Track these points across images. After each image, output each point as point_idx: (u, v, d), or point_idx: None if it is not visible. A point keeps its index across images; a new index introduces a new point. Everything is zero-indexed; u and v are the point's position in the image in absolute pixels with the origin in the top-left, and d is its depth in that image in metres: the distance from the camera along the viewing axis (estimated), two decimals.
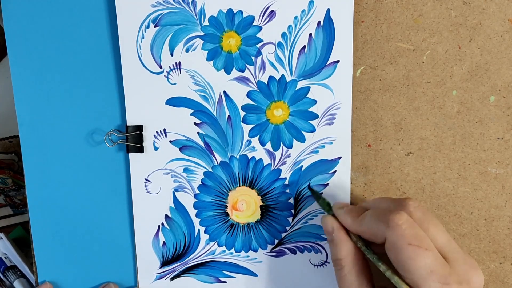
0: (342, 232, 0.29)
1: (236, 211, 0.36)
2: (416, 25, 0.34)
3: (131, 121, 0.34)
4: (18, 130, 0.35)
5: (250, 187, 0.36)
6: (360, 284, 0.27)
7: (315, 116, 0.35)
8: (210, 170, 0.36)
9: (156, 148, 0.35)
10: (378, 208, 0.28)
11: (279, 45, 0.34)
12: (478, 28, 0.34)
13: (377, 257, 0.27)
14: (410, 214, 0.26)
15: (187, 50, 0.34)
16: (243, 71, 0.34)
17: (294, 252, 0.37)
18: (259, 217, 0.36)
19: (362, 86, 0.35)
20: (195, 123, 0.35)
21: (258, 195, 0.36)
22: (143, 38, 0.33)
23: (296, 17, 0.34)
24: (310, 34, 0.34)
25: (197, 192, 0.36)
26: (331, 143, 0.35)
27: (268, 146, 0.35)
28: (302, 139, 0.35)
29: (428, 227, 0.26)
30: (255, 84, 0.35)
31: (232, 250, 0.37)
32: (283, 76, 0.34)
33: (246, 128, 0.35)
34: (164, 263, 0.37)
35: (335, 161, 0.36)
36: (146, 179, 0.35)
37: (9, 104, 0.52)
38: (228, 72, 0.34)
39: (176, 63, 0.34)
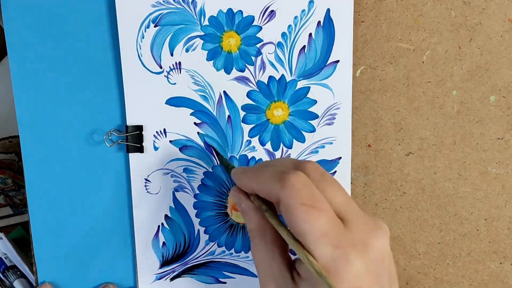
0: (248, 202, 0.27)
1: (236, 211, 0.36)
2: (416, 25, 0.34)
3: (131, 121, 0.34)
4: (18, 130, 0.35)
5: None
6: (271, 256, 0.25)
7: (315, 116, 0.35)
8: (210, 170, 0.36)
9: (156, 148, 0.35)
10: (275, 167, 0.25)
11: (279, 45, 0.34)
12: (478, 28, 0.34)
13: (278, 221, 0.24)
14: (307, 174, 0.24)
15: (187, 50, 0.34)
16: (243, 71, 0.34)
17: (293, 253, 0.37)
18: None
19: (362, 86, 0.35)
20: (195, 123, 0.35)
21: None
22: (143, 38, 0.33)
23: (296, 17, 0.34)
24: (310, 34, 0.34)
25: (197, 192, 0.36)
26: (331, 143, 0.35)
27: (268, 146, 0.35)
28: (302, 139, 0.35)
29: (326, 188, 0.23)
30: (255, 84, 0.35)
31: (232, 251, 0.37)
32: (283, 76, 0.34)
33: (246, 128, 0.35)
34: (164, 264, 0.37)
35: (335, 161, 0.35)
36: (146, 179, 0.35)
37: (9, 104, 0.52)
38: (228, 72, 0.34)
39: (176, 63, 0.34)
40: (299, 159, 0.28)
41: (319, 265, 0.21)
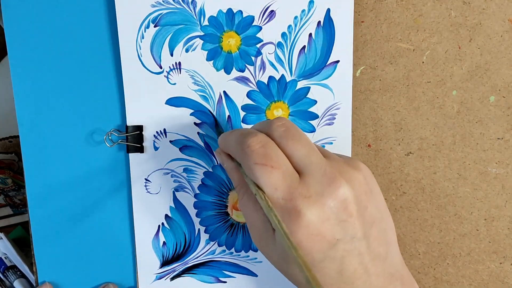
0: (230, 161, 0.29)
1: (237, 211, 0.36)
2: (416, 25, 0.34)
3: (131, 121, 0.34)
4: (18, 130, 0.35)
5: None
6: (254, 208, 0.26)
7: (315, 116, 0.35)
8: (210, 170, 0.36)
9: (156, 148, 0.35)
10: (243, 129, 0.27)
11: (279, 45, 0.34)
12: (478, 28, 0.34)
13: (246, 176, 0.26)
14: (271, 133, 0.25)
15: (187, 50, 0.34)
16: (243, 71, 0.34)
17: None
18: None
19: (362, 86, 0.36)
20: (195, 123, 0.35)
21: None
22: (143, 38, 0.33)
23: (296, 17, 0.34)
24: (310, 34, 0.34)
25: (197, 192, 0.36)
26: (331, 143, 0.35)
27: None
28: None
29: (286, 143, 0.25)
30: (255, 84, 0.35)
31: (232, 250, 0.37)
32: (283, 76, 0.34)
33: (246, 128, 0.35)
34: (164, 263, 0.37)
35: None
36: (146, 179, 0.35)
37: (9, 104, 0.52)
38: (228, 72, 0.34)
39: (176, 63, 0.34)
40: (266, 120, 0.31)
41: (270, 202, 0.23)
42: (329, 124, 0.35)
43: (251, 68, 0.34)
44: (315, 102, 0.35)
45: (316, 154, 0.25)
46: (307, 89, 0.35)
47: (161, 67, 0.34)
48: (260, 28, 0.34)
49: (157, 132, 0.35)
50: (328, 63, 0.34)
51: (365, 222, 0.24)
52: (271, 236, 0.25)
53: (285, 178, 0.24)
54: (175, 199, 0.36)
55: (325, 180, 0.24)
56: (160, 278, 0.37)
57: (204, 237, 0.37)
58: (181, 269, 0.37)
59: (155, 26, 0.33)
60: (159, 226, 0.36)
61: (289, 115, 0.35)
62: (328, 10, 0.33)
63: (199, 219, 0.36)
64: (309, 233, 0.23)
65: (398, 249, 0.27)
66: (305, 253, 0.23)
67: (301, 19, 0.34)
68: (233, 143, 0.27)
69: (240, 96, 0.35)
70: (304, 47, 0.34)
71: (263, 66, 0.34)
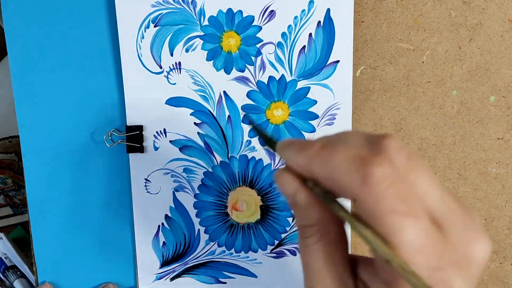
0: (305, 189, 0.19)
1: (236, 211, 0.36)
2: (416, 25, 0.34)
3: (131, 121, 0.34)
4: (18, 130, 0.35)
5: (250, 187, 0.36)
6: (332, 262, 0.19)
7: (315, 116, 0.35)
8: (210, 170, 0.36)
9: (156, 148, 0.35)
10: (347, 146, 0.18)
11: (279, 45, 0.34)
12: (478, 28, 0.34)
13: (351, 215, 0.18)
14: (392, 159, 0.17)
15: (187, 50, 0.34)
16: (243, 71, 0.34)
17: (294, 253, 0.37)
18: (259, 217, 0.36)
19: (362, 86, 0.35)
20: (195, 123, 0.35)
21: (258, 195, 0.36)
22: (143, 38, 0.33)
23: (296, 17, 0.34)
24: (310, 34, 0.34)
25: (197, 192, 0.36)
26: None
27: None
28: None
29: (416, 179, 0.17)
30: (255, 84, 0.34)
31: (232, 251, 0.37)
32: (283, 76, 0.34)
33: (246, 128, 0.35)
34: (164, 263, 0.37)
35: None
36: (146, 179, 0.35)
37: (9, 104, 0.52)
38: (228, 72, 0.34)
39: (176, 63, 0.34)
40: (369, 132, 0.20)
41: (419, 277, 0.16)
42: (329, 124, 0.35)
43: (251, 68, 0.34)
44: (315, 102, 0.35)
45: (451, 197, 0.18)
46: (307, 89, 0.35)
47: (161, 67, 0.34)
48: (260, 28, 0.34)
49: (157, 132, 0.35)
50: (328, 63, 0.34)
51: None
52: None
53: (430, 234, 0.16)
54: (175, 199, 0.36)
55: (468, 236, 0.17)
56: (160, 278, 0.37)
57: (204, 237, 0.37)
58: (181, 270, 0.37)
59: (155, 26, 0.33)
60: (159, 226, 0.36)
61: (289, 115, 0.35)
62: (328, 10, 0.33)
63: (199, 220, 0.36)
64: None
65: None
66: None
67: (301, 19, 0.34)
68: (338, 167, 0.17)
69: (240, 96, 0.35)
70: (304, 47, 0.34)
71: (263, 66, 0.34)
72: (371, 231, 0.17)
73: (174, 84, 0.34)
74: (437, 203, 0.17)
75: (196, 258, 0.37)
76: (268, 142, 0.23)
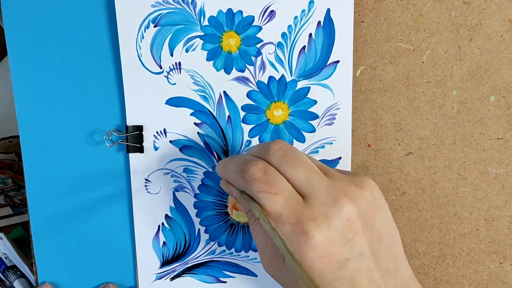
0: (236, 189, 0.28)
1: (236, 211, 0.36)
2: (416, 25, 0.34)
3: (131, 121, 0.34)
4: (18, 130, 0.35)
5: None
6: (267, 236, 0.26)
7: (315, 116, 0.35)
8: (210, 170, 0.36)
9: (156, 148, 0.35)
10: (242, 157, 0.27)
11: (279, 45, 0.34)
12: (478, 28, 0.34)
13: (254, 202, 0.26)
14: (270, 159, 0.26)
15: (187, 50, 0.34)
16: (243, 71, 0.34)
17: None
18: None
19: (362, 86, 0.36)
20: (195, 123, 0.35)
21: None
22: (143, 38, 0.33)
23: (296, 17, 0.34)
24: (310, 34, 0.34)
25: (197, 192, 0.36)
26: (331, 143, 0.35)
27: None
28: (302, 139, 0.35)
29: (286, 168, 0.25)
30: (255, 84, 0.35)
31: (232, 250, 0.37)
32: (283, 76, 0.34)
33: (246, 128, 0.35)
34: (164, 263, 0.37)
35: (335, 161, 0.36)
36: (146, 179, 0.35)
37: (9, 104, 0.52)
38: (228, 72, 0.34)
39: (176, 63, 0.34)
40: (269, 141, 0.31)
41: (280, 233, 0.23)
42: (329, 124, 0.35)
43: (251, 68, 0.34)
44: (315, 102, 0.35)
45: (317, 175, 0.25)
46: (307, 89, 0.35)
47: (161, 67, 0.34)
48: (260, 28, 0.34)
49: (157, 132, 0.35)
50: (328, 63, 0.34)
51: (373, 238, 0.25)
52: (282, 261, 0.25)
53: (289, 202, 0.24)
54: (175, 199, 0.36)
55: (329, 201, 0.24)
56: (160, 278, 0.37)
57: (204, 237, 0.37)
58: (181, 269, 0.37)
59: (155, 26, 0.33)
60: (159, 226, 0.36)
61: (289, 115, 0.35)
62: (328, 10, 0.33)
63: (199, 219, 0.36)
64: (318, 255, 0.23)
65: (408, 263, 0.27)
66: (315, 275, 0.23)
67: (301, 19, 0.34)
68: (233, 172, 0.27)
69: (240, 96, 0.35)
70: (304, 47, 0.34)
71: (263, 66, 0.34)
72: (256, 206, 0.25)
73: (174, 84, 0.34)
74: (302, 181, 0.25)
75: (196, 257, 0.37)
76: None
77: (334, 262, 0.23)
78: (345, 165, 0.36)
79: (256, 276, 0.37)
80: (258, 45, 0.34)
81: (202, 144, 0.35)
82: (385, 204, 0.27)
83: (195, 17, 0.33)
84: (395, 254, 0.26)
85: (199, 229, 0.37)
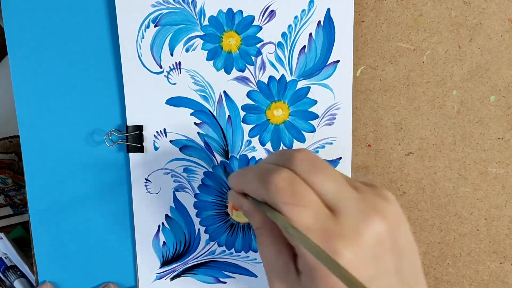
0: (248, 201, 0.27)
1: (236, 211, 0.36)
2: (416, 25, 0.34)
3: (131, 121, 0.34)
4: (18, 130, 0.35)
5: None
6: (278, 251, 0.25)
7: (315, 116, 0.35)
8: (210, 170, 0.36)
9: (156, 148, 0.35)
10: (262, 165, 0.25)
11: (279, 45, 0.34)
12: (478, 28, 0.34)
13: (274, 211, 0.24)
14: (295, 168, 0.23)
15: (187, 50, 0.34)
16: (243, 71, 0.34)
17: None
18: None
19: (362, 86, 0.35)
20: (195, 123, 0.35)
21: None
22: (143, 38, 0.33)
23: (296, 17, 0.34)
24: (310, 34, 0.34)
25: (197, 192, 0.36)
26: (331, 143, 0.35)
27: (268, 146, 0.35)
28: (302, 139, 0.35)
29: (314, 179, 0.23)
30: (255, 84, 0.35)
31: (232, 250, 0.37)
32: (283, 76, 0.34)
33: (246, 128, 0.35)
34: (164, 263, 0.37)
35: (335, 161, 0.36)
36: (146, 179, 0.35)
37: (9, 104, 0.52)
38: (228, 72, 0.34)
39: (176, 63, 0.34)
40: (290, 149, 0.29)
41: (313, 242, 0.21)
42: (329, 124, 0.35)
43: (251, 68, 0.34)
44: (315, 102, 0.35)
45: (347, 188, 0.23)
46: (307, 89, 0.35)
47: (161, 67, 0.34)
48: (260, 28, 0.34)
49: (157, 132, 0.35)
50: (328, 63, 0.34)
51: (397, 255, 0.23)
52: (295, 277, 0.24)
53: (318, 217, 0.22)
54: (175, 199, 0.36)
55: (360, 216, 0.22)
56: (160, 278, 0.37)
57: (204, 237, 0.37)
58: (181, 269, 0.37)
59: (155, 26, 0.33)
60: (159, 226, 0.36)
61: (289, 115, 0.35)
62: (328, 10, 0.33)
63: (199, 219, 0.36)
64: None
65: (424, 276, 0.26)
66: None
67: (301, 19, 0.34)
68: (253, 181, 0.25)
69: (240, 96, 0.35)
70: (304, 47, 0.34)
71: (263, 66, 0.34)
72: (281, 217, 0.23)
73: (174, 84, 0.34)
74: (331, 194, 0.23)
75: (196, 258, 0.37)
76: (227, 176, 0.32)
77: (361, 280, 0.22)
78: (345, 165, 0.36)
79: (256, 276, 0.37)
80: (258, 45, 0.34)
81: (202, 144, 0.35)
82: (405, 218, 0.25)
83: (195, 17, 0.33)
84: (416, 269, 0.25)
85: (199, 229, 0.36)
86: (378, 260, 0.22)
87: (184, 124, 0.35)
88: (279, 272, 0.25)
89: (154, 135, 0.35)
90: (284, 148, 0.35)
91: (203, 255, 0.37)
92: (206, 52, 0.34)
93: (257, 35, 0.34)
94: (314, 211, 0.22)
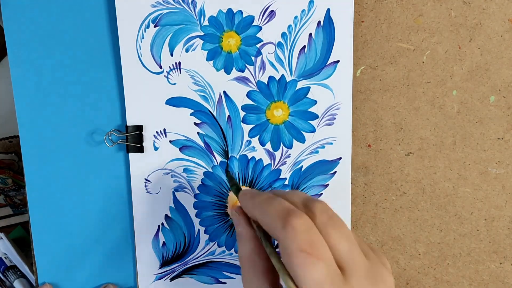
0: (247, 227, 0.26)
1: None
2: (416, 25, 0.34)
3: (131, 121, 0.34)
4: (18, 130, 0.35)
5: (250, 187, 0.36)
6: (261, 285, 0.25)
7: (315, 116, 0.35)
8: (210, 170, 0.36)
9: (156, 148, 0.35)
10: (283, 201, 0.24)
11: (279, 45, 0.34)
12: (478, 28, 0.34)
13: (274, 252, 0.24)
14: (313, 216, 0.23)
15: (187, 50, 0.34)
16: (243, 71, 0.34)
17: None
18: None
19: (362, 86, 0.35)
20: (195, 123, 0.35)
21: None
22: (143, 38, 0.33)
23: (296, 17, 0.34)
24: (310, 34, 0.34)
25: (197, 192, 0.36)
26: (331, 143, 0.35)
27: (268, 146, 0.35)
28: (302, 140, 0.35)
29: (330, 233, 0.23)
30: (255, 84, 0.35)
31: (232, 251, 0.37)
32: (283, 76, 0.34)
33: (246, 128, 0.35)
34: (164, 264, 0.37)
35: (335, 161, 0.35)
36: (146, 179, 0.35)
37: (9, 104, 0.52)
38: (228, 72, 0.34)
39: (176, 63, 0.34)
40: (311, 196, 0.28)
41: None
42: (329, 124, 0.35)
43: (251, 68, 0.34)
44: (315, 102, 0.35)
45: (359, 251, 0.23)
46: (307, 89, 0.35)
47: (161, 67, 0.34)
48: (260, 28, 0.34)
49: (157, 132, 0.35)
50: (328, 63, 0.34)
51: None
52: None
53: (330, 273, 0.21)
54: (175, 199, 0.36)
55: (367, 283, 0.22)
56: (160, 279, 0.37)
57: (204, 237, 0.37)
58: (180, 270, 0.37)
59: (155, 26, 0.33)
60: (159, 226, 0.36)
61: (289, 115, 0.35)
62: (328, 10, 0.33)
63: (199, 220, 0.36)
64: None
65: None
66: None
67: (301, 19, 0.34)
68: (271, 216, 0.24)
69: (240, 96, 0.35)
70: (304, 47, 0.34)
71: (263, 66, 0.34)
72: (278, 261, 0.23)
73: (174, 84, 0.34)
74: (344, 253, 0.23)
75: (196, 258, 0.37)
76: (234, 189, 0.29)
77: None
78: (345, 165, 0.36)
79: None
80: (258, 45, 0.34)
81: (202, 144, 0.35)
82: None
83: (195, 17, 0.33)
84: None
85: (198, 230, 0.36)
86: None
87: (184, 124, 0.35)
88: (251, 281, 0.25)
89: (154, 135, 0.35)
90: (284, 148, 0.35)
91: (203, 255, 0.37)
92: (206, 52, 0.34)
93: (257, 35, 0.34)
94: (327, 266, 0.22)
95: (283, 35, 0.34)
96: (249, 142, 0.35)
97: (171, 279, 0.37)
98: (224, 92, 0.35)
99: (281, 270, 0.23)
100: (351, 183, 0.37)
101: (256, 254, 0.25)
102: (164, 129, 0.35)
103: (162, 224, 0.36)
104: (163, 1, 0.33)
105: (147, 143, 0.35)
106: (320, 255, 0.21)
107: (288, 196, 0.26)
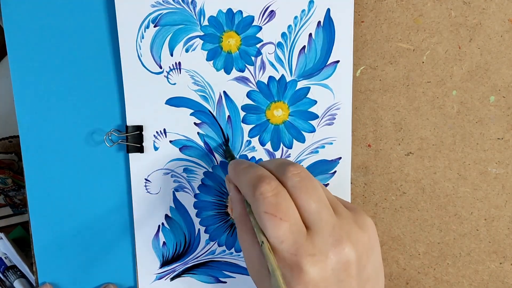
0: (236, 193, 0.29)
1: None
2: (416, 25, 0.34)
3: (131, 121, 0.34)
4: (18, 130, 0.35)
5: None
6: (252, 242, 0.26)
7: (315, 116, 0.35)
8: (210, 170, 0.36)
9: (156, 148, 0.35)
10: (258, 169, 0.27)
11: (279, 45, 0.34)
12: (478, 28, 0.34)
13: (252, 213, 0.26)
14: (285, 180, 0.25)
15: (187, 50, 0.34)
16: (243, 71, 0.34)
17: None
18: None
19: (362, 86, 0.36)
20: (195, 123, 0.35)
21: None
22: (142, 38, 0.33)
23: (296, 17, 0.34)
24: (310, 34, 0.34)
25: (197, 192, 0.36)
26: (331, 143, 0.35)
27: (268, 146, 0.35)
28: (302, 140, 0.35)
29: (299, 195, 0.25)
30: (255, 84, 0.35)
31: (232, 250, 0.37)
32: (283, 76, 0.34)
33: (246, 128, 0.35)
34: (164, 263, 0.37)
35: (335, 161, 0.36)
36: (146, 179, 0.35)
37: (9, 104, 0.52)
38: (228, 72, 0.34)
39: (176, 63, 0.34)
40: (289, 160, 0.31)
41: (274, 259, 0.23)
42: (329, 124, 0.35)
43: (251, 68, 0.34)
44: (315, 102, 0.35)
45: (327, 211, 0.25)
46: (307, 89, 0.35)
47: (161, 67, 0.34)
48: (260, 28, 0.34)
49: (157, 132, 0.35)
50: (328, 63, 0.34)
51: (361, 281, 0.25)
52: (266, 275, 0.26)
53: (292, 232, 0.24)
54: (175, 199, 0.36)
55: (332, 240, 0.24)
56: (160, 278, 0.37)
57: (204, 237, 0.37)
58: (181, 269, 0.37)
59: (155, 26, 0.33)
60: (159, 226, 0.36)
61: (289, 115, 0.35)
62: (328, 10, 0.33)
63: (199, 219, 0.36)
64: None
65: None
66: None
67: (301, 19, 0.34)
68: (245, 183, 0.27)
69: (240, 96, 0.35)
70: (304, 47, 0.34)
71: (263, 66, 0.34)
72: (258, 225, 0.25)
73: (174, 84, 0.34)
74: (311, 213, 0.24)
75: (196, 258, 0.37)
76: (230, 158, 0.33)
77: None
78: (345, 165, 0.36)
79: None
80: (258, 45, 0.34)
81: (202, 144, 0.35)
82: (378, 245, 0.27)
83: (195, 17, 0.33)
84: None
85: (199, 229, 0.37)
86: (341, 283, 0.24)
87: (184, 124, 0.35)
88: (254, 264, 0.26)
89: (154, 135, 0.35)
90: (284, 148, 0.35)
91: (203, 255, 0.37)
92: (206, 52, 0.34)
93: (257, 35, 0.34)
94: (291, 225, 0.24)
95: (283, 35, 0.34)
96: (249, 142, 0.35)
97: (171, 279, 0.37)
98: (224, 92, 0.35)
99: (256, 227, 0.25)
100: (351, 183, 0.37)
101: (245, 215, 0.28)
102: (164, 129, 0.35)
103: (162, 224, 0.36)
104: (163, 1, 0.33)
105: (147, 143, 0.35)
106: (284, 216, 0.24)
107: (267, 163, 0.28)
